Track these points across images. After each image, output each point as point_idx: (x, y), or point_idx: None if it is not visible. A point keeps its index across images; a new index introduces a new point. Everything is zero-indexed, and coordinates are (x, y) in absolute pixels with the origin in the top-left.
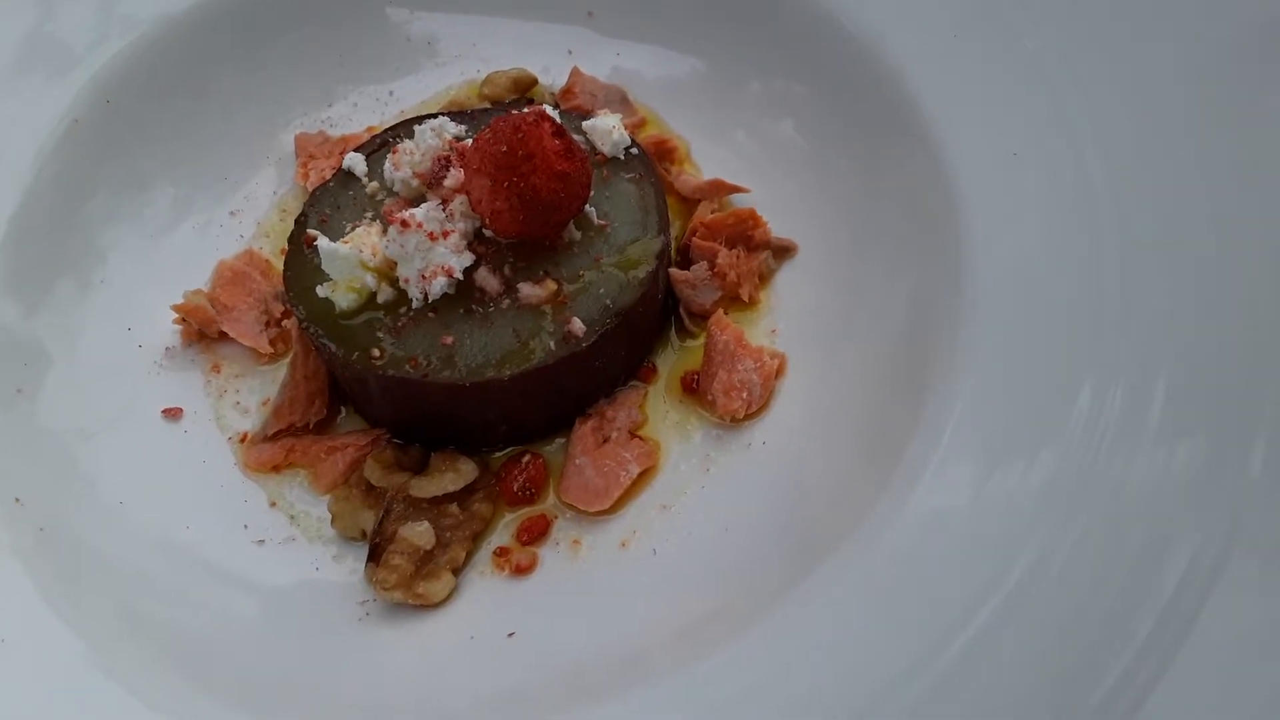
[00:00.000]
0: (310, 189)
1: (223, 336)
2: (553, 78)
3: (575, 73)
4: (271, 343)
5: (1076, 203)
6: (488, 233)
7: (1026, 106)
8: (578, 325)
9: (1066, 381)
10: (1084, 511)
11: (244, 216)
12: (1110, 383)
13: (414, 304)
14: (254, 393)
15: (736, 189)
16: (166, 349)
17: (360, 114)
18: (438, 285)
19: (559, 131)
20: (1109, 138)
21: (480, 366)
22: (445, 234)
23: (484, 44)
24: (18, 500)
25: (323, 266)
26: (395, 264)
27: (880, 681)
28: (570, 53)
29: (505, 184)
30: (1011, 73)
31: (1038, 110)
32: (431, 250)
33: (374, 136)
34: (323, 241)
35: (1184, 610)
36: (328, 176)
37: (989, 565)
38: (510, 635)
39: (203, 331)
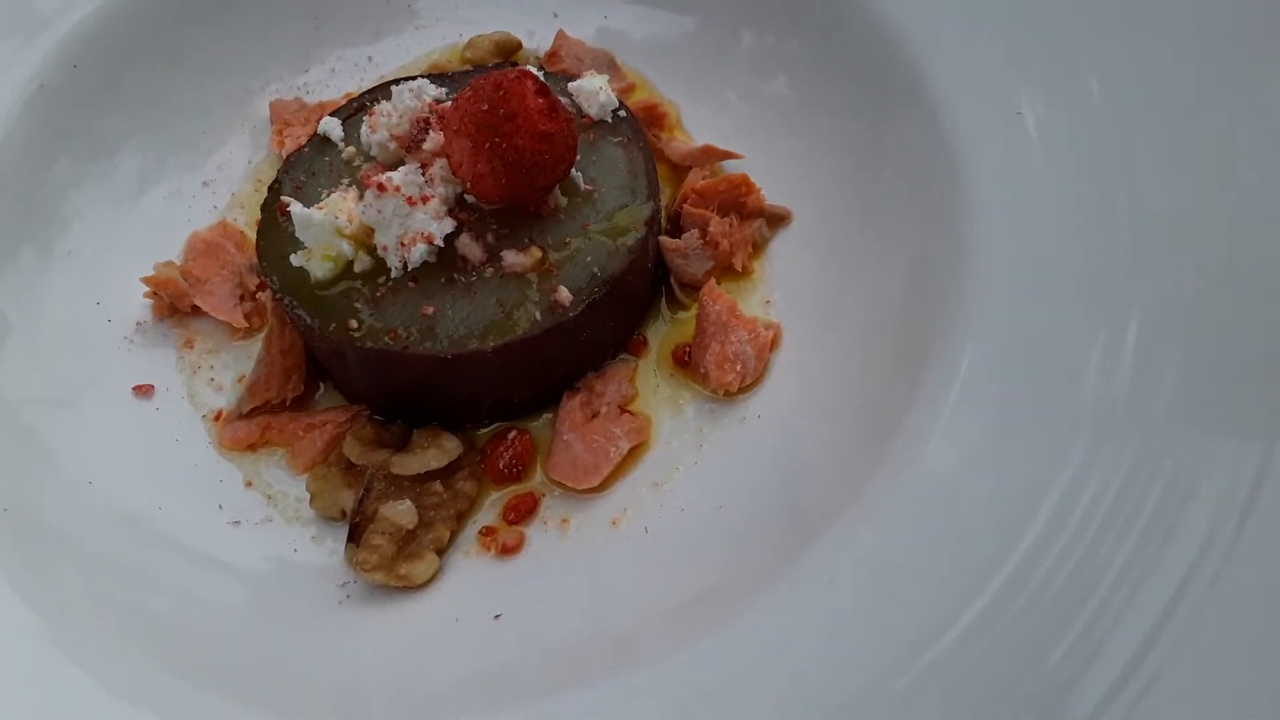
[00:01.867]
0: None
1: (195, 310)
2: (537, 41)
3: (561, 35)
4: (246, 316)
5: (1084, 164)
6: (469, 198)
7: (1031, 63)
8: (564, 294)
9: (1074, 350)
10: (1091, 485)
11: (217, 186)
12: (1120, 350)
13: (393, 273)
14: (228, 369)
15: (729, 155)
16: (137, 323)
17: (338, 80)
18: (417, 253)
19: (542, 90)
20: (1118, 94)
21: (463, 338)
22: (425, 199)
23: (466, 6)
24: None
25: (297, 234)
26: (373, 231)
27: (880, 662)
28: (556, 15)
29: (487, 145)
30: (1015, 28)
31: (1043, 67)
32: (410, 216)
33: (350, 100)
34: (296, 207)
35: (1200, 582)
36: (304, 143)
37: (993, 541)
38: (497, 617)
39: (174, 305)
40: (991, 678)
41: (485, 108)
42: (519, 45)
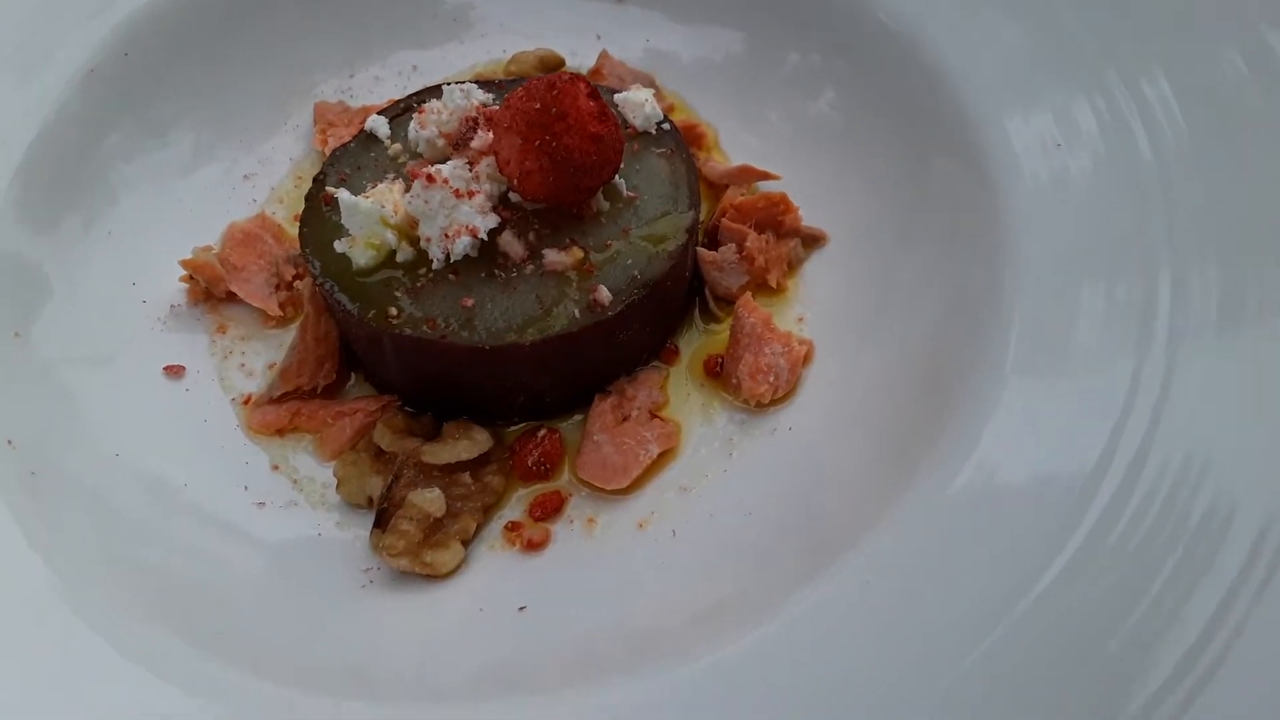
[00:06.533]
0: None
1: (230, 297)
2: (580, 60)
3: (603, 55)
4: (280, 306)
5: (1124, 195)
6: (514, 197)
7: (1071, 95)
8: (604, 294)
9: (1111, 384)
10: (1126, 516)
11: (258, 180)
12: (1157, 384)
13: (434, 265)
14: (260, 356)
15: (765, 175)
16: (171, 306)
17: (382, 86)
18: (460, 245)
19: (594, 94)
20: (1159, 127)
21: (501, 330)
22: (471, 194)
23: (511, 23)
24: (10, 442)
25: (343, 221)
26: (417, 223)
27: (901, 676)
28: (599, 37)
29: (537, 142)
30: (1057, 61)
31: (1084, 99)
32: (456, 208)
33: (398, 101)
34: (344, 194)
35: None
36: (349, 140)
37: (1020, 562)
38: (521, 609)
39: (210, 291)
40: (1035, 676)
41: (537, 106)
42: (562, 62)
